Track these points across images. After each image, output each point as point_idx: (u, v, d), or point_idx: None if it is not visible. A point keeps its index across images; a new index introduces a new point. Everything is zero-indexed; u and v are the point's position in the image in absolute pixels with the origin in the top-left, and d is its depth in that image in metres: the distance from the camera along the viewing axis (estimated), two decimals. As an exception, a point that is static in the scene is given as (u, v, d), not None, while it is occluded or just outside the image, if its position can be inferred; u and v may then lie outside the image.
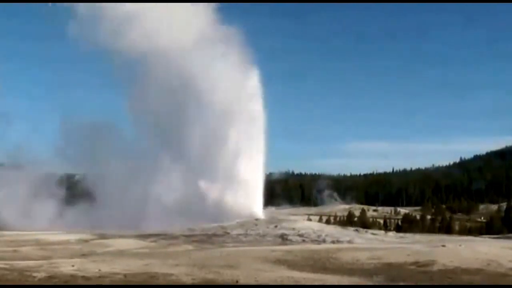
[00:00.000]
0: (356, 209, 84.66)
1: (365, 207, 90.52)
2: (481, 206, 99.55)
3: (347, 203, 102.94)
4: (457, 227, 59.00)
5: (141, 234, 27.38)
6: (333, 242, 23.95)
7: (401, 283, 11.61)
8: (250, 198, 35.75)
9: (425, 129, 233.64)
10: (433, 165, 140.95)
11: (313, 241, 24.28)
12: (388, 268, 13.48)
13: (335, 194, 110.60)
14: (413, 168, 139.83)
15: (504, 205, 74.88)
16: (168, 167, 38.05)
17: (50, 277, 11.48)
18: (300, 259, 15.03)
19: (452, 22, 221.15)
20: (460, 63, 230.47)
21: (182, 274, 12.11)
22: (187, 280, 11.47)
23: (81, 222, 35.62)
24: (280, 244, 23.15)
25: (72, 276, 11.64)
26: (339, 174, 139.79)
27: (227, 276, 11.96)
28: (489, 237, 32.34)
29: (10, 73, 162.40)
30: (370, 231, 31.44)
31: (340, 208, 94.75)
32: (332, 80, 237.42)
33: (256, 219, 31.80)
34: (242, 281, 11.36)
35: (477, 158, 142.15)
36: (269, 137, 37.14)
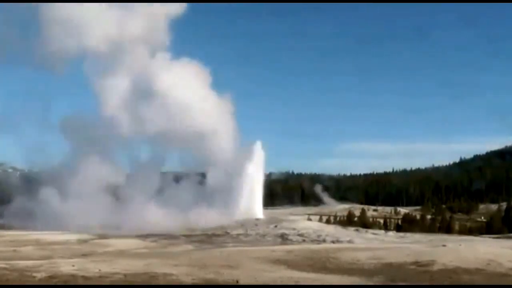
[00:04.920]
0: (356, 209, 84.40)
1: (365, 207, 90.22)
2: (481, 206, 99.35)
3: (347, 203, 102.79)
4: (457, 227, 58.92)
5: (141, 234, 27.42)
6: (333, 242, 24.00)
7: (401, 283, 11.60)
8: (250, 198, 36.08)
9: (425, 129, 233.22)
10: (433, 165, 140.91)
11: (313, 241, 24.33)
12: (388, 268, 13.48)
13: (335, 195, 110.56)
14: (413, 168, 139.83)
15: (504, 205, 74.77)
16: None
17: (50, 277, 11.47)
18: (300, 259, 15.04)
19: (452, 22, 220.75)
20: (460, 63, 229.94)
21: (182, 274, 12.10)
22: (187, 280, 11.46)
23: None
24: (280, 244, 23.21)
25: (72, 276, 11.62)
26: (339, 174, 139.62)
27: (227, 276, 11.96)
28: (489, 237, 32.38)
29: None
30: (370, 231, 31.50)
31: (340, 208, 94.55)
32: (332, 80, 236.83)
33: (256, 219, 31.91)
34: (242, 281, 11.35)
35: (477, 158, 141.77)
36: (269, 137, 38.01)
